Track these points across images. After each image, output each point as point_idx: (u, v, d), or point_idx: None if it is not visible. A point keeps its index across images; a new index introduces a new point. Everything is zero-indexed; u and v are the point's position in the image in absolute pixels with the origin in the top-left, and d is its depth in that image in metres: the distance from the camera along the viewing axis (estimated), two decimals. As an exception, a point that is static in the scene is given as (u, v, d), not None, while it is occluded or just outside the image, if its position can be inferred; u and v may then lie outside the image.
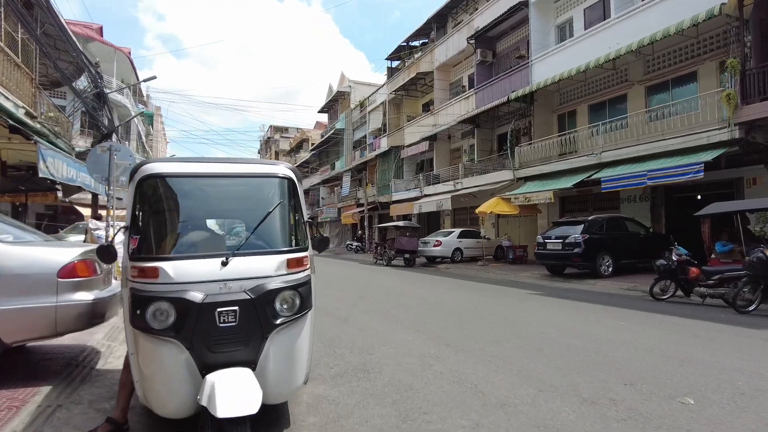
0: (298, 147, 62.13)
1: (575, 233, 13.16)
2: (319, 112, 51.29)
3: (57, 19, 12.14)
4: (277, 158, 74.05)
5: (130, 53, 36.39)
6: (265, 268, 2.83)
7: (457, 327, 6.31)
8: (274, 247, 3.00)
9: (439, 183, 25.06)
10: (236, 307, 2.66)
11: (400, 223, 21.26)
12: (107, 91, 16.07)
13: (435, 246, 19.67)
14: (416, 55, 29.94)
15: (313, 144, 52.20)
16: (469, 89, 24.63)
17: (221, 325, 2.63)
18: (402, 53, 32.19)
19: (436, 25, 28.70)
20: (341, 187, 40.29)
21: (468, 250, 20.17)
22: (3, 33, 11.34)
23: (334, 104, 47.43)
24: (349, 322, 6.68)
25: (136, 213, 2.86)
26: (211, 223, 3.40)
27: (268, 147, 78.52)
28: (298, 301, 2.86)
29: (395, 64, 33.71)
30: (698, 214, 9.94)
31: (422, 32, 30.22)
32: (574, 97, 19.23)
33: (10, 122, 10.34)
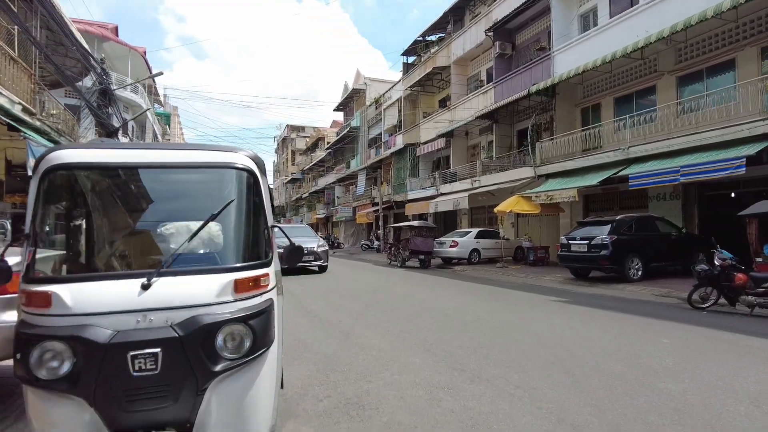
0: (314, 146, 61.67)
1: (602, 234, 12.21)
2: (335, 110, 50.75)
3: (52, 10, 11.63)
4: (293, 157, 73.71)
5: (145, 53, 36.20)
6: (203, 292, 2.06)
7: (475, 345, 5.50)
8: (218, 263, 2.26)
9: (456, 181, 24.19)
10: (158, 349, 1.91)
11: (415, 223, 20.43)
12: (113, 87, 15.57)
13: (451, 247, 18.80)
14: (432, 50, 29.05)
15: (329, 143, 51.64)
16: (487, 83, 23.74)
17: (136, 374, 1.89)
18: (418, 48, 31.33)
19: (453, 19, 27.78)
20: (356, 186, 39.61)
21: (486, 251, 19.26)
22: (-5, 25, 10.87)
23: (350, 102, 46.82)
24: (350, 338, 5.92)
25: (37, 217, 2.13)
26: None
27: (284, 146, 78.36)
28: (249, 339, 2.09)
29: (411, 59, 32.86)
30: (744, 213, 8.96)
31: (439, 26, 29.33)
32: (599, 90, 18.20)
33: (5, 119, 9.87)
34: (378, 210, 32.62)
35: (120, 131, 16.37)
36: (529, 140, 18.95)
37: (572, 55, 17.54)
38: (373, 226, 37.44)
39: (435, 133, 26.22)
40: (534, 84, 18.50)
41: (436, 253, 19.30)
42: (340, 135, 45.09)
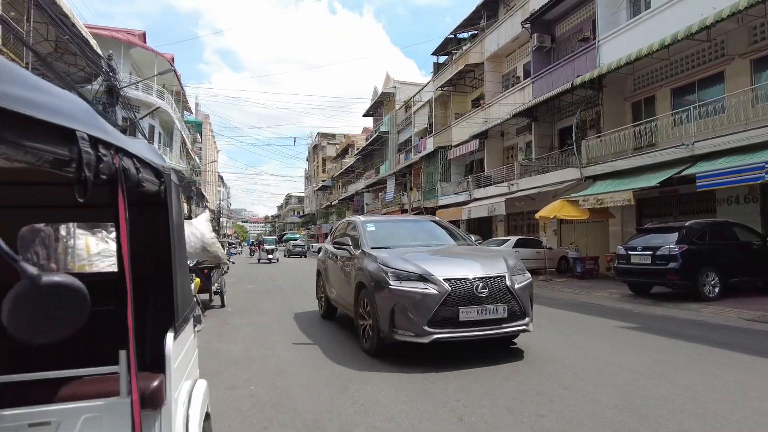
0: (343, 152, 60.78)
1: (669, 243, 10.26)
2: (364, 115, 49.61)
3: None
4: (323, 165, 72.86)
5: (173, 59, 35.82)
6: None
7: (531, 409, 3.74)
8: None
9: (491, 185, 22.36)
10: None
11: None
12: (120, 85, 14.56)
13: (487, 257, 16.94)
14: (465, 47, 27.38)
15: (358, 149, 50.48)
16: (524, 80, 21.93)
17: None
18: (449, 46, 29.70)
19: (487, 14, 26.07)
20: (385, 192, 38.14)
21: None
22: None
23: (379, 107, 45.57)
24: (350, 389, 4.23)
25: None
26: None
27: (315, 153, 77.93)
28: None
29: (442, 59, 31.27)
30: None
31: (471, 22, 27.63)
32: (653, 81, 16.18)
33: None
34: (408, 217, 31.02)
35: (127, 132, 15.31)
36: (573, 138, 17.04)
37: (621, 43, 15.65)
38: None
39: (468, 135, 24.49)
40: (578, 76, 16.61)
41: (470, 264, 17.47)
42: (369, 140, 43.85)
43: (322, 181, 69.62)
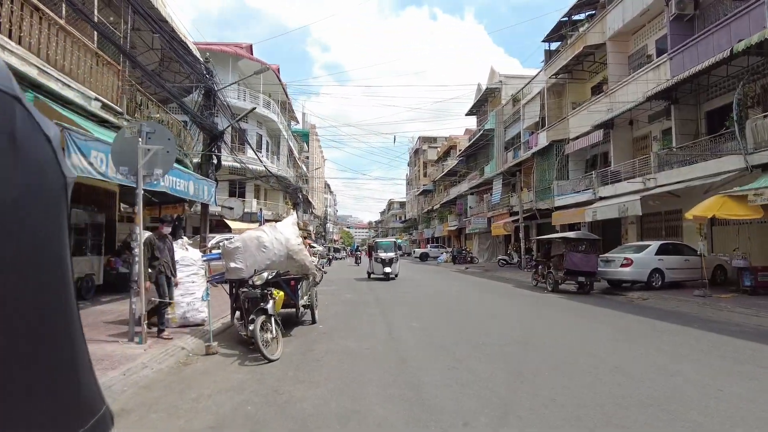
0: (445, 154, 58.89)
1: None
2: (467, 114, 47.40)
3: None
4: (425, 169, 71.46)
5: (278, 70, 36.55)
6: None
7: None
8: None
9: (619, 181, 19.22)
10: None
11: (571, 235, 16.04)
12: (217, 88, 14.09)
13: (623, 266, 14.04)
14: (582, 29, 24.32)
15: (460, 150, 48.33)
16: (658, 57, 18.63)
17: None
18: (563, 30, 26.69)
19: (607, -13, 22.86)
20: (491, 194, 35.59)
21: (671, 271, 14.20)
22: (64, 10, 9.54)
23: (484, 104, 43.15)
24: None
25: None
26: None
27: (416, 158, 76.99)
28: None
29: (555, 46, 28.28)
30: None
31: (588, 1, 24.48)
32: None
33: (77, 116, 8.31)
34: (518, 220, 28.36)
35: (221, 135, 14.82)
36: (735, 119, 13.72)
37: (803, -7, 12.23)
38: (511, 239, 33.13)
39: (589, 125, 21.46)
40: (740, 40, 13.32)
41: (601, 274, 14.73)
42: (473, 140, 41.55)
43: (424, 185, 68.32)
